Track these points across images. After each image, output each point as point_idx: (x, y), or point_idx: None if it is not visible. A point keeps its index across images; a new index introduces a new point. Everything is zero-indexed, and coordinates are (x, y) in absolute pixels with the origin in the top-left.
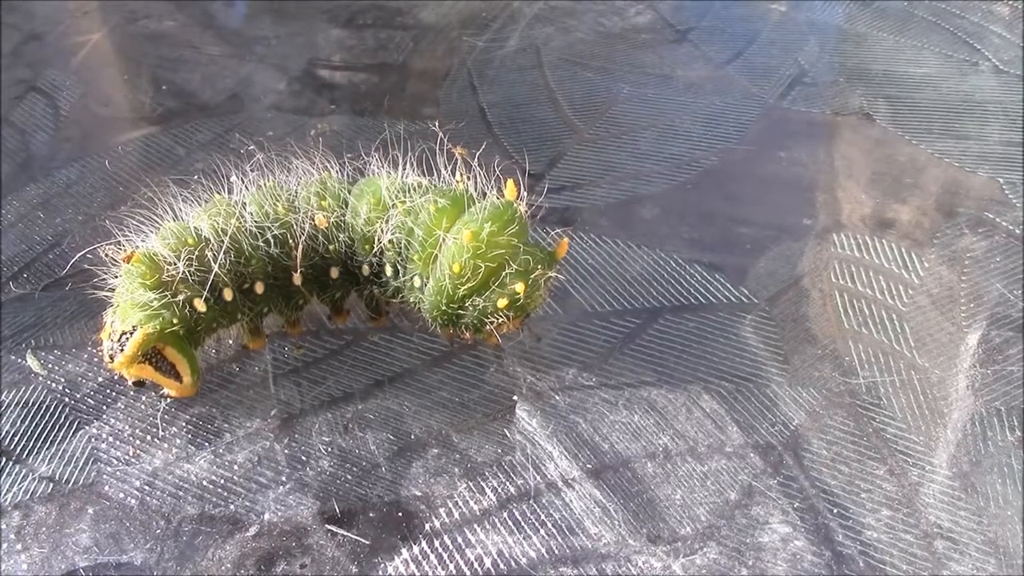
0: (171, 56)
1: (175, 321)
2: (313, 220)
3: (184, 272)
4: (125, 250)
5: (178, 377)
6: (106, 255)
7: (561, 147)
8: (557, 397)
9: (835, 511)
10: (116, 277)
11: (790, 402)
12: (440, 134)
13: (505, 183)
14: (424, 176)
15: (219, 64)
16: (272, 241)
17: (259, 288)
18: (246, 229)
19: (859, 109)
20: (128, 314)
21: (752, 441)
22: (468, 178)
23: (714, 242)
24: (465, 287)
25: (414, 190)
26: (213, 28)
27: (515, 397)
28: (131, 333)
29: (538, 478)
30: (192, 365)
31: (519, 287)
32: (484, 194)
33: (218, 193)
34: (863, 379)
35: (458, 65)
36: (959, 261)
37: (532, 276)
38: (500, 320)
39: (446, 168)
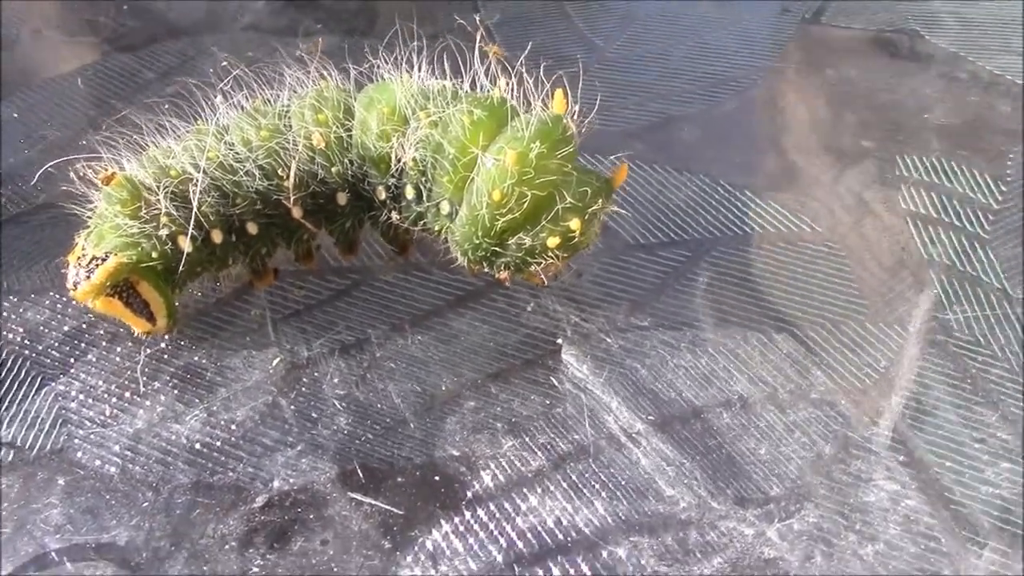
0: None
1: (155, 255)
2: (309, 140)
3: (167, 206)
4: (105, 170)
5: (151, 318)
6: (82, 175)
7: (580, 67)
8: (608, 340)
9: (947, 464)
10: (93, 199)
11: (875, 342)
12: (473, 29)
13: (552, 93)
14: (448, 79)
15: None
16: (256, 174)
17: (252, 228)
18: (223, 163)
19: (904, 26)
20: (104, 237)
21: (839, 386)
22: (508, 85)
23: (765, 167)
24: (505, 219)
25: (439, 95)
26: None
27: (559, 340)
28: (103, 260)
29: (595, 433)
30: (169, 306)
31: (574, 223)
32: (528, 104)
33: (197, 118)
34: (953, 315)
35: None
36: None
37: (590, 210)
38: (548, 260)
39: (480, 66)
